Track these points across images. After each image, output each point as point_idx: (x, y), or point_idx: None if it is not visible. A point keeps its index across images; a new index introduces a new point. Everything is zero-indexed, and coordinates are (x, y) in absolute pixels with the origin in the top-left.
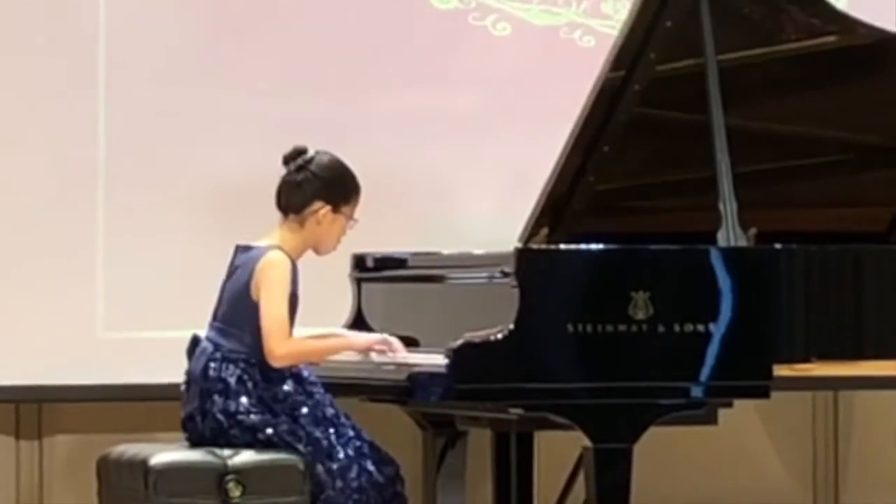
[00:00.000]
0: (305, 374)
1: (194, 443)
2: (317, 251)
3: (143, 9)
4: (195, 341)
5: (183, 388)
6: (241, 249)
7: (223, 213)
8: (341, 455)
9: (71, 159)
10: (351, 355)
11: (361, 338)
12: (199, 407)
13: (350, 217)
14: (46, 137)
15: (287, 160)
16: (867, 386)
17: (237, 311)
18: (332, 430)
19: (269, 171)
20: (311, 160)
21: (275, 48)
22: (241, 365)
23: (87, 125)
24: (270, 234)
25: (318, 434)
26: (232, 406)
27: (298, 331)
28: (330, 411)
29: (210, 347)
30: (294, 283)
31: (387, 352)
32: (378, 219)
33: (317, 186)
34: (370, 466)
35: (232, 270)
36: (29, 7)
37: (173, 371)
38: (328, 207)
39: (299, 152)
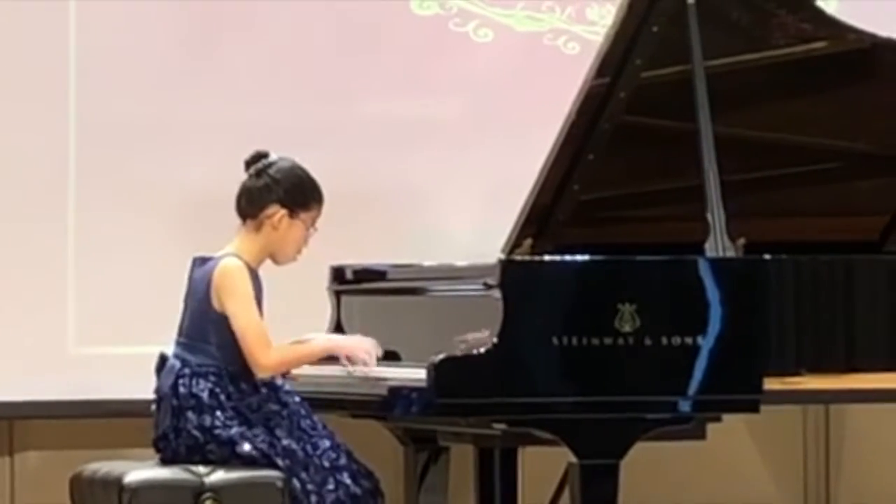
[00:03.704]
0: (279, 382)
1: (168, 462)
2: (274, 259)
3: (113, 17)
4: (163, 359)
5: (154, 407)
6: (197, 262)
7: (196, 227)
8: (317, 467)
9: (41, 173)
10: (330, 370)
11: (346, 340)
12: (172, 425)
13: (310, 226)
14: (15, 150)
15: (248, 164)
16: (859, 399)
17: (201, 323)
18: (307, 442)
19: None
20: (271, 165)
21: (250, 55)
22: (212, 378)
23: (57, 138)
24: (228, 244)
25: (293, 446)
26: (207, 421)
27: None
28: (306, 421)
29: (178, 364)
30: (257, 290)
31: (368, 362)
32: (356, 229)
33: (275, 191)
34: (347, 479)
35: (190, 284)
36: None
37: (146, 387)
38: (284, 212)
39: (260, 156)
